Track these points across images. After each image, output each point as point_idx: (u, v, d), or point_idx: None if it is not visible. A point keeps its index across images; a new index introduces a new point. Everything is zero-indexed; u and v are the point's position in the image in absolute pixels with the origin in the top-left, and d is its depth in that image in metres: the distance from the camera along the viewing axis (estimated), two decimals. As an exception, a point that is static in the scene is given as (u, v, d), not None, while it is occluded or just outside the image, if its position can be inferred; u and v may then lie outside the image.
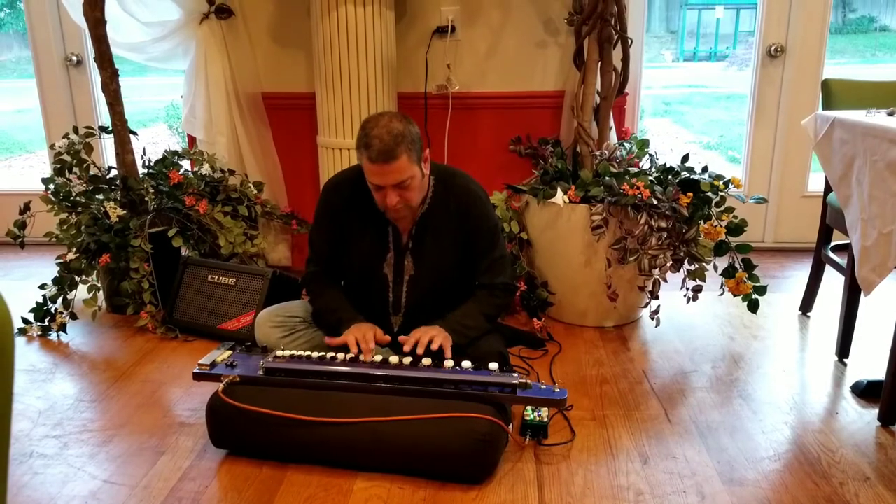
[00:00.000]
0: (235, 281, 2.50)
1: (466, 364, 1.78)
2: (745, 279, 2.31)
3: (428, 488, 1.64)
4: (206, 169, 2.81)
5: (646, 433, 1.86)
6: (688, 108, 8.53)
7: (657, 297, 2.41)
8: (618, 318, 2.58)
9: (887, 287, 2.54)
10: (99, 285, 2.58)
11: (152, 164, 2.79)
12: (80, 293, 2.57)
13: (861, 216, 1.89)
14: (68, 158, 2.65)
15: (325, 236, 2.05)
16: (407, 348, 1.82)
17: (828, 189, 2.39)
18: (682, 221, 2.30)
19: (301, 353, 1.86)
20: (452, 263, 2.01)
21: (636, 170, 2.51)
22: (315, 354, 1.84)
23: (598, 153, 2.57)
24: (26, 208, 2.64)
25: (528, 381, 1.72)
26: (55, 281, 2.52)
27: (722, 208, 2.34)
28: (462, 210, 1.97)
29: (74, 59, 3.42)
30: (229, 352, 1.91)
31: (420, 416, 1.65)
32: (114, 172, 2.75)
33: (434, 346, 1.80)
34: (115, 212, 2.52)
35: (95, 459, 1.77)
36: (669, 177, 2.43)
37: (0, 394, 0.68)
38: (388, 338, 1.93)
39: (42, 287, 2.54)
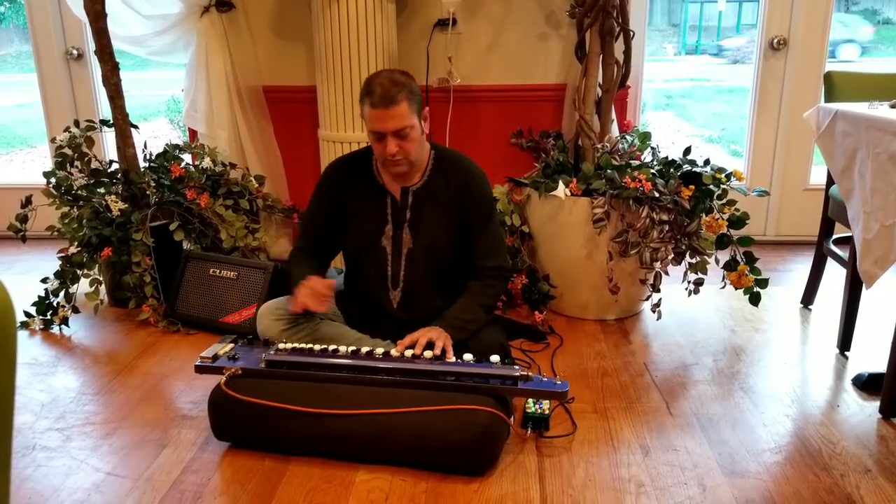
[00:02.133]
0: (237, 274, 2.51)
1: (468, 356, 1.78)
2: (746, 272, 2.30)
3: (429, 480, 1.64)
4: (207, 163, 2.81)
5: (647, 425, 1.87)
6: (689, 102, 8.51)
7: (658, 290, 2.41)
8: (619, 312, 2.58)
9: (889, 280, 2.54)
10: (101, 279, 2.58)
11: (153, 157, 2.79)
12: (82, 287, 2.58)
13: (863, 209, 1.89)
14: (69, 152, 2.65)
15: (319, 215, 2.09)
16: (400, 348, 1.81)
17: (830, 182, 2.38)
18: (683, 214, 2.30)
19: (303, 345, 1.86)
20: (449, 238, 2.03)
21: (638, 163, 2.51)
22: (317, 347, 1.85)
23: (599, 146, 2.56)
24: (28, 202, 2.64)
25: (530, 374, 1.72)
26: (57, 275, 2.52)
27: (724, 201, 2.34)
28: (461, 185, 2.01)
29: (75, 52, 3.42)
30: (231, 345, 1.91)
31: (422, 408, 1.65)
32: (115, 166, 2.75)
33: (437, 350, 1.80)
34: (116, 205, 2.52)
35: (98, 452, 1.78)
36: (671, 170, 2.42)
37: (3, 385, 0.68)
38: (330, 281, 1.94)
39: (44, 281, 2.55)
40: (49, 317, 2.54)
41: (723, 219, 2.30)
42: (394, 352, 1.81)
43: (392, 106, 1.82)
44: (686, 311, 2.62)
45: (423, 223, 2.01)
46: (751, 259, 2.32)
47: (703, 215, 2.32)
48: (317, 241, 2.12)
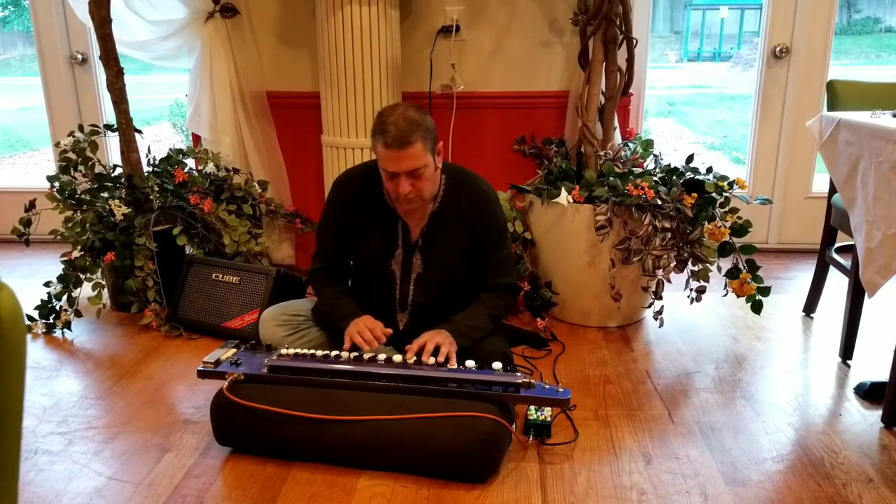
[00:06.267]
0: (240, 279, 2.51)
1: (470, 363, 1.78)
2: (748, 280, 2.30)
3: (431, 487, 1.64)
4: (210, 167, 2.81)
5: (649, 433, 1.87)
6: (692, 109, 8.52)
7: (661, 298, 2.41)
8: (621, 319, 2.58)
9: (891, 289, 2.54)
10: (103, 283, 2.59)
11: (157, 162, 2.80)
12: (85, 291, 2.58)
13: (866, 218, 1.89)
14: (73, 156, 2.66)
15: (333, 231, 2.06)
16: (411, 355, 1.82)
17: (832, 190, 2.39)
18: (686, 222, 2.30)
19: (305, 351, 1.86)
20: (460, 262, 2.01)
21: (640, 170, 2.52)
22: (319, 353, 1.85)
23: (602, 153, 2.57)
24: (31, 206, 2.65)
25: (532, 381, 1.72)
26: (60, 279, 2.53)
27: (726, 209, 2.34)
28: (473, 209, 1.98)
29: (79, 57, 3.43)
30: (234, 350, 1.92)
31: (424, 414, 1.65)
32: (119, 170, 2.76)
33: (440, 357, 1.80)
34: (119, 210, 2.53)
35: (100, 456, 1.78)
36: (674, 177, 2.43)
37: (12, 390, 0.68)
38: (389, 330, 1.92)
39: (47, 285, 2.55)
40: (52, 320, 2.54)
41: (725, 227, 2.31)
42: (396, 358, 1.81)
43: (406, 147, 1.78)
44: (688, 318, 2.62)
45: (435, 248, 2.00)
46: (753, 267, 2.32)
47: (706, 223, 2.32)
48: (335, 260, 2.08)
